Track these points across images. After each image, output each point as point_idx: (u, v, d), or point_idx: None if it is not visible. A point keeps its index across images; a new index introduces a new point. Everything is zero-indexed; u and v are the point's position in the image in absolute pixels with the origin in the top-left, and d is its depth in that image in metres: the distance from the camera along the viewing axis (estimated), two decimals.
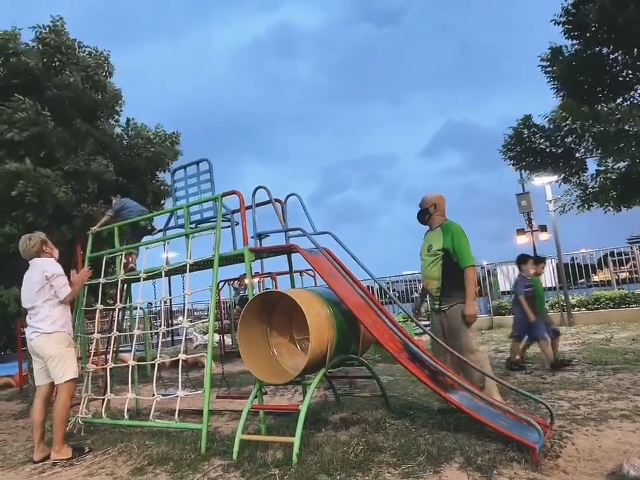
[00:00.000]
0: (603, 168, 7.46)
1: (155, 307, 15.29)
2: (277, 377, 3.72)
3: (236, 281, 10.94)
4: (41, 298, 3.86)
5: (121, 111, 6.56)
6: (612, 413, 3.63)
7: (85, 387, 4.55)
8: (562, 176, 8.02)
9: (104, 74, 6.26)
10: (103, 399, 4.44)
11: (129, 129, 6.53)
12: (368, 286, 9.11)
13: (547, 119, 7.29)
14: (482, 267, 12.73)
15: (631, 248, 11.38)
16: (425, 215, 4.08)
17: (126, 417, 4.16)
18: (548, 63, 7.98)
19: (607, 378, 4.87)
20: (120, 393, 4.49)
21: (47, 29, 5.97)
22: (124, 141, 6.29)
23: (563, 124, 7.13)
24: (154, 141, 6.39)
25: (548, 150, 7.79)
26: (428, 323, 4.58)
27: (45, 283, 3.86)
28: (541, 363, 5.72)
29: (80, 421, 4.37)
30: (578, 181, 7.98)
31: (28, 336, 3.91)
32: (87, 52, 6.33)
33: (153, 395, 4.01)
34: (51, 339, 3.80)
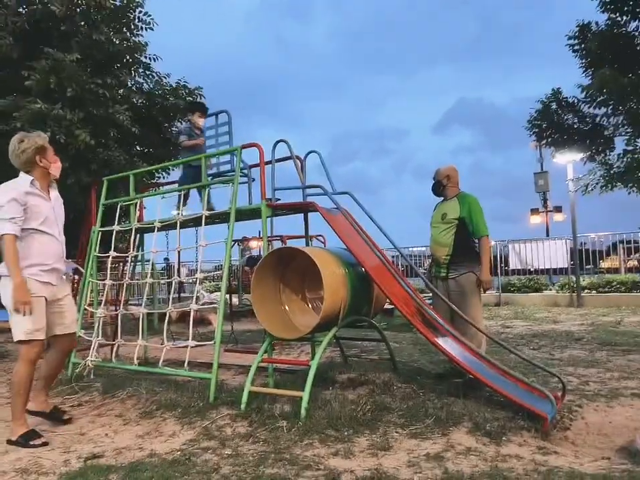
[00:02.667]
0: (631, 147, 7.24)
1: (161, 262, 15.41)
2: (288, 333, 3.72)
3: (245, 242, 10.94)
4: None
5: (145, 62, 6.37)
6: (623, 391, 3.60)
7: (95, 332, 4.59)
8: (587, 154, 7.79)
9: (130, 23, 6.07)
10: (113, 345, 4.47)
11: (149, 79, 6.39)
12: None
13: (580, 88, 7.02)
14: (489, 247, 12.59)
15: None
16: (439, 187, 4.13)
17: (135, 363, 4.20)
18: (576, 41, 7.72)
19: (617, 358, 4.83)
20: (128, 342, 4.51)
21: None
22: (143, 90, 6.16)
23: (597, 97, 6.86)
24: (174, 92, 6.26)
25: (575, 126, 7.55)
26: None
27: None
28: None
29: (90, 364, 4.41)
30: (603, 160, 7.76)
31: None
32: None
33: (162, 344, 4.04)
34: (2, 283, 2.95)
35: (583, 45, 7.57)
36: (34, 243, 2.95)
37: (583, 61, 7.72)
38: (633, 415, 3.11)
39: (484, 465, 2.37)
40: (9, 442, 2.89)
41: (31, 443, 2.84)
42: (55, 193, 3.18)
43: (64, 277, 3.24)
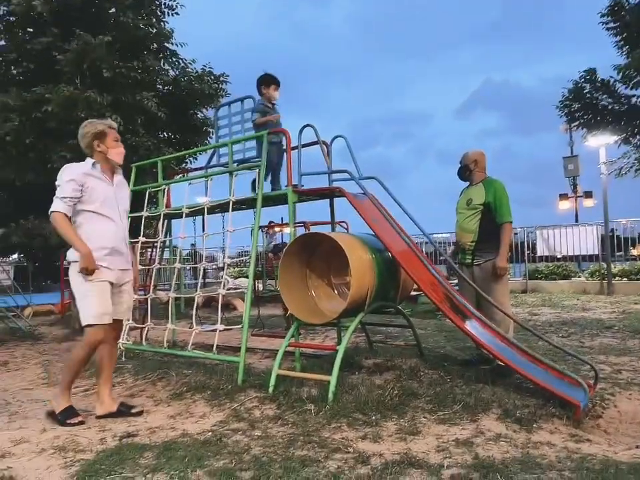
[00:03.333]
0: None
1: (187, 248, 15.62)
2: (315, 318, 3.73)
3: (269, 228, 10.99)
4: None
5: (172, 48, 6.38)
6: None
7: None
8: (622, 136, 7.51)
9: (156, 9, 6.08)
10: (143, 328, 4.57)
11: (174, 65, 6.41)
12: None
13: (615, 69, 6.75)
14: (515, 234, 12.33)
15: None
16: (466, 171, 4.05)
17: (165, 346, 4.29)
18: (609, 18, 7.42)
19: None
20: (157, 325, 4.61)
21: None
22: (168, 76, 6.20)
23: (633, 78, 6.59)
24: (199, 78, 6.28)
25: (610, 107, 7.28)
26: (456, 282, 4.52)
27: None
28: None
29: (121, 347, 4.53)
30: (639, 143, 7.48)
31: None
32: None
33: (191, 327, 4.11)
34: (72, 269, 3.01)
35: (618, 22, 7.27)
36: (93, 226, 2.99)
37: (618, 38, 7.41)
38: None
39: (515, 451, 2.35)
40: (50, 414, 2.99)
41: (68, 421, 2.91)
42: (118, 177, 3.20)
43: (129, 262, 3.22)
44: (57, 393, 3.05)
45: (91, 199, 2.98)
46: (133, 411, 3.11)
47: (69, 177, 2.94)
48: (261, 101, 4.65)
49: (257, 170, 4.07)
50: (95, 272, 2.91)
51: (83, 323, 2.95)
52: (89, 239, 2.95)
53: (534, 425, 2.66)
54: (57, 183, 2.98)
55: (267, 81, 4.66)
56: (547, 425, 2.68)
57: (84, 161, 3.10)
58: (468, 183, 4.09)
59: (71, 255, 2.97)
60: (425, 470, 2.15)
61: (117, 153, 3.14)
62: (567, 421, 2.71)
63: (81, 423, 2.94)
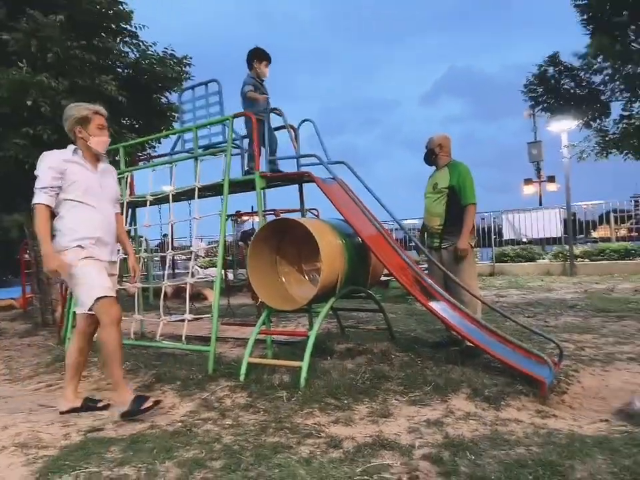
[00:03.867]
0: (627, 113, 7.18)
1: (156, 239, 15.31)
2: (286, 304, 3.70)
3: (237, 217, 10.86)
4: None
5: (131, 30, 6.11)
6: (618, 356, 3.64)
7: None
8: (583, 120, 7.71)
9: None
10: None
11: (135, 48, 6.17)
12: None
13: (577, 56, 6.89)
14: (482, 218, 12.59)
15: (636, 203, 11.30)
16: (431, 155, 4.08)
17: (132, 337, 4.18)
18: None
19: (611, 324, 4.88)
20: (124, 317, 4.49)
21: None
22: (128, 59, 5.96)
23: (593, 65, 6.74)
24: (161, 61, 6.07)
25: (572, 91, 7.44)
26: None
27: None
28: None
29: None
30: (599, 126, 7.69)
31: None
32: None
33: (159, 318, 4.01)
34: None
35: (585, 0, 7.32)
36: (77, 215, 2.82)
37: (584, 16, 7.49)
38: (629, 378, 3.15)
39: (484, 428, 2.39)
40: (124, 414, 2.73)
41: (144, 408, 2.71)
42: (103, 165, 3.02)
43: (116, 253, 3.07)
44: (115, 391, 2.85)
45: (72, 187, 2.81)
46: (99, 405, 2.98)
47: (47, 164, 2.78)
48: (251, 74, 4.46)
49: (224, 155, 3.97)
50: (60, 268, 2.73)
51: (88, 304, 2.75)
52: (72, 229, 2.80)
53: (502, 403, 2.71)
54: (35, 172, 2.80)
55: (260, 56, 4.47)
56: (515, 402, 2.74)
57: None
58: (435, 168, 4.11)
59: (57, 244, 2.81)
60: (397, 451, 2.16)
61: (99, 141, 2.93)
62: (534, 398, 2.77)
63: (157, 402, 2.77)
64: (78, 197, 2.83)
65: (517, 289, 8.52)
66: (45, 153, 2.88)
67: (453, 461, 2.02)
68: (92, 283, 2.77)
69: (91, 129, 2.90)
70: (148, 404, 2.73)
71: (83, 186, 2.84)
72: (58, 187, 2.79)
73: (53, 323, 6.42)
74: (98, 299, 2.74)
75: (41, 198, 2.76)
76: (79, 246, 2.80)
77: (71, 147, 2.91)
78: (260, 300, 6.54)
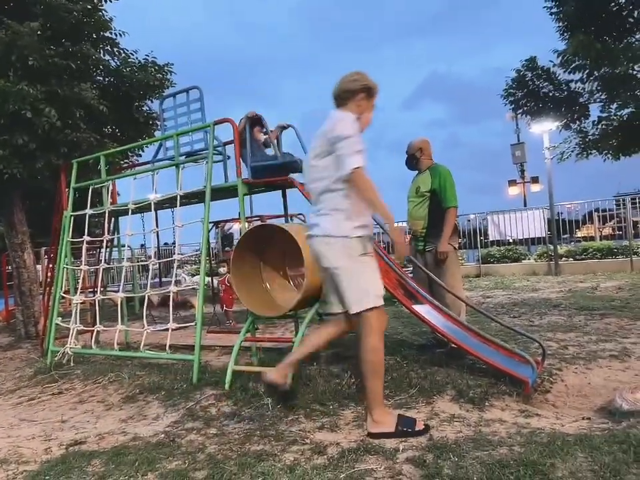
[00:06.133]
0: (605, 114, 7.31)
1: (136, 248, 15.16)
2: (270, 311, 3.69)
3: (222, 223, 10.77)
4: (324, 175, 2.44)
5: (112, 38, 6.06)
6: (600, 354, 3.68)
7: (73, 318, 4.50)
8: (563, 122, 7.84)
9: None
10: (92, 331, 4.39)
11: (115, 55, 6.13)
12: None
13: (555, 53, 7.00)
14: (468, 220, 12.70)
15: (620, 202, 11.48)
16: (412, 160, 4.09)
17: (116, 348, 4.13)
18: (553, 3, 7.70)
19: (594, 322, 4.94)
20: (108, 327, 4.44)
21: None
22: (109, 67, 5.92)
23: (572, 63, 6.86)
24: (142, 68, 6.03)
25: (551, 94, 7.57)
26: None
27: (327, 149, 2.41)
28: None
29: (69, 351, 4.33)
30: (578, 128, 7.82)
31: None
32: None
33: (143, 328, 3.97)
34: (337, 245, 2.40)
35: (561, 8, 7.51)
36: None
37: (560, 24, 7.68)
38: (611, 376, 3.19)
39: (468, 430, 2.39)
40: (380, 435, 2.33)
41: (417, 430, 2.34)
42: None
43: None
44: (374, 413, 2.41)
45: None
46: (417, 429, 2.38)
47: (355, 128, 2.38)
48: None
49: (205, 162, 3.96)
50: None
51: (363, 308, 2.36)
52: (360, 212, 2.41)
53: (486, 404, 2.73)
54: (340, 132, 2.33)
55: (254, 123, 4.23)
56: (499, 402, 2.75)
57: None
58: (417, 172, 4.13)
59: (335, 228, 2.38)
60: (381, 455, 2.16)
61: (368, 120, 2.58)
62: (517, 398, 2.79)
63: (427, 428, 2.39)
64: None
65: (503, 289, 8.59)
66: (342, 112, 2.47)
67: (437, 464, 2.02)
68: (376, 285, 2.43)
69: (371, 103, 2.58)
70: (419, 427, 2.37)
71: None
72: None
73: (35, 336, 6.32)
74: (370, 309, 2.39)
75: (360, 161, 2.30)
76: (363, 236, 2.42)
77: (352, 115, 2.46)
78: (225, 308, 6.53)
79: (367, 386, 2.44)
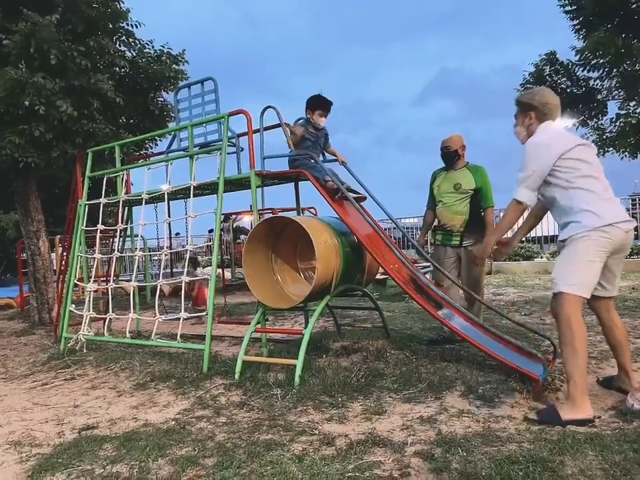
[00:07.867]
0: (624, 112, 7.18)
1: (153, 238, 15.29)
2: (281, 302, 3.70)
3: (232, 216, 10.82)
4: None
5: (128, 29, 6.08)
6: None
7: (86, 306, 4.55)
8: (580, 119, 7.72)
9: None
10: (105, 319, 4.44)
11: (131, 46, 6.15)
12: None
13: (574, 50, 6.88)
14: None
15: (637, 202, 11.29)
16: (454, 156, 4.03)
17: (128, 336, 4.18)
18: (567, 1, 7.57)
19: None
20: (120, 315, 4.49)
21: None
22: (125, 59, 5.94)
23: (591, 60, 6.74)
24: (158, 59, 6.05)
25: (569, 90, 7.45)
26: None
27: None
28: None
29: (82, 338, 4.39)
30: (596, 125, 7.69)
31: None
32: None
33: (155, 317, 4.01)
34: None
35: (575, 6, 7.40)
36: None
37: (575, 22, 7.55)
38: None
39: (477, 425, 2.39)
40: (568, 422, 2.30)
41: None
42: None
43: None
44: (570, 395, 2.43)
45: None
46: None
47: (538, 140, 2.68)
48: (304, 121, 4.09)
49: (219, 153, 3.97)
50: None
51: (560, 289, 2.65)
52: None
53: (495, 400, 2.71)
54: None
55: (313, 106, 4.02)
56: (508, 399, 2.74)
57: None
58: (444, 167, 4.09)
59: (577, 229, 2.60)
60: (389, 448, 2.16)
61: (527, 135, 2.78)
62: (527, 395, 2.77)
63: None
64: None
65: (515, 287, 8.52)
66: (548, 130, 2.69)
67: (445, 458, 2.02)
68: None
69: (538, 119, 2.72)
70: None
71: None
72: None
73: (49, 322, 6.42)
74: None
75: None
76: None
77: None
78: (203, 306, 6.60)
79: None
